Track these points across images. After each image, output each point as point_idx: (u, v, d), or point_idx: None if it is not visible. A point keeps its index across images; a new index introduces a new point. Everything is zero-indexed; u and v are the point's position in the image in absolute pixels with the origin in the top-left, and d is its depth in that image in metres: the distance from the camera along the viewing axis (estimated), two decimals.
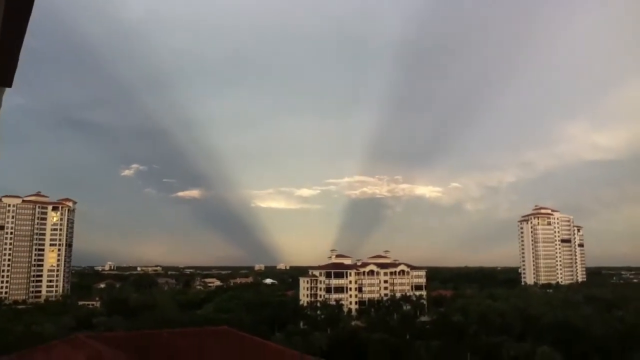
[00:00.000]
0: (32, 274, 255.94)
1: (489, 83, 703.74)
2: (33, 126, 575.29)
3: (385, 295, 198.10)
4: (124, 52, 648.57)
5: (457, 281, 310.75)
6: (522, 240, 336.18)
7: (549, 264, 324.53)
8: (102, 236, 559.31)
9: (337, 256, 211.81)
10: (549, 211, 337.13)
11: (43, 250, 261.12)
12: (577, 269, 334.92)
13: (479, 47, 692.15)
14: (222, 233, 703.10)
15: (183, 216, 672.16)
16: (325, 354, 78.71)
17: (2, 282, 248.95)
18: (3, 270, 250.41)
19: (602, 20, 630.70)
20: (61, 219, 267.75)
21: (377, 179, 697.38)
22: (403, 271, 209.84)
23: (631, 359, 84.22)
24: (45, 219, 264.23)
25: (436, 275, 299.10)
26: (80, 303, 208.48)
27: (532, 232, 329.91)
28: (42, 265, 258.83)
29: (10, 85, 5.81)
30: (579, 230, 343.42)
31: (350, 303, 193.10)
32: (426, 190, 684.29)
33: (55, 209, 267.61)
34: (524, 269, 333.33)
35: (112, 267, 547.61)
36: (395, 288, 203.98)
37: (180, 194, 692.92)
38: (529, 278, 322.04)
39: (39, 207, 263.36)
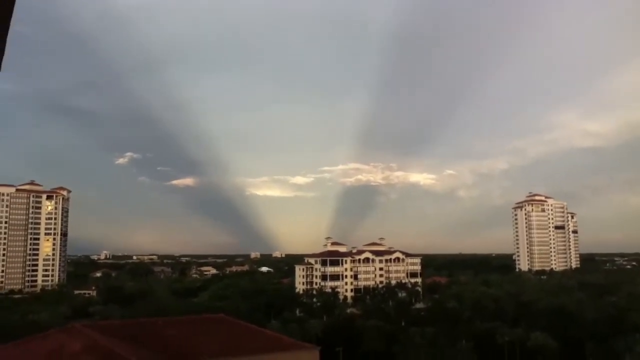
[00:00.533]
0: (28, 263, 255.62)
1: (479, 70, 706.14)
2: (23, 113, 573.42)
3: (381, 282, 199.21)
4: (114, 36, 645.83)
5: (452, 268, 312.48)
6: (516, 227, 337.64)
7: (543, 251, 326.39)
8: (97, 225, 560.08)
9: (333, 244, 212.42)
10: (543, 198, 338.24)
11: (38, 239, 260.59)
12: (570, 256, 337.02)
13: (470, 35, 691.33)
14: (217, 221, 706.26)
15: (178, 204, 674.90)
16: (321, 341, 79.10)
17: None
18: None
19: (593, 7, 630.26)
20: (56, 208, 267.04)
21: (371, 167, 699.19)
22: (398, 258, 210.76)
23: (624, 343, 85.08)
24: (39, 208, 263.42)
25: (431, 263, 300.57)
26: (76, 292, 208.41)
27: (526, 218, 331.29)
28: (37, 255, 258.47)
29: None
30: (572, 217, 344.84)
31: (346, 290, 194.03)
32: (420, 178, 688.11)
33: (49, 197, 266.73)
34: (518, 256, 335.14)
35: (108, 256, 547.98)
36: (390, 275, 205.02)
37: (175, 182, 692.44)
38: (523, 264, 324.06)
39: (33, 196, 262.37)
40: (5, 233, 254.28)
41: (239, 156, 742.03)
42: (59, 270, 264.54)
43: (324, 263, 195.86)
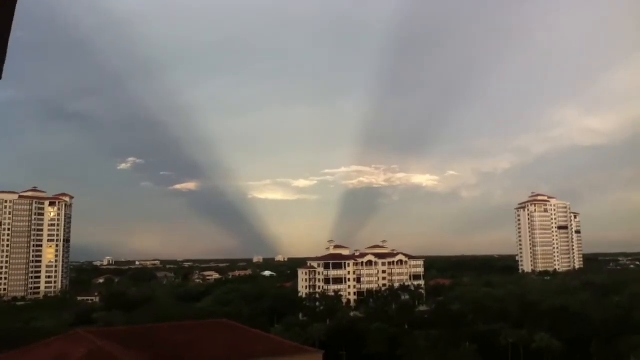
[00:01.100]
0: (31, 270, 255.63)
1: (480, 69, 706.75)
2: (25, 119, 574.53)
3: (384, 285, 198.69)
4: (114, 41, 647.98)
5: (455, 270, 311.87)
6: (519, 228, 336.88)
7: (546, 251, 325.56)
8: (100, 231, 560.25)
9: (335, 247, 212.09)
10: (546, 198, 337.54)
11: (41, 246, 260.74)
12: (574, 256, 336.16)
13: (471, 34, 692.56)
14: (220, 226, 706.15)
15: (181, 209, 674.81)
16: (325, 345, 78.97)
17: (1, 278, 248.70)
18: (1, 267, 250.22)
19: (594, 4, 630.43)
20: (58, 215, 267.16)
21: (373, 169, 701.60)
22: (401, 261, 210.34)
23: (629, 344, 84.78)
24: (42, 214, 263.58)
25: (434, 265, 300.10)
26: (80, 298, 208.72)
27: (529, 219, 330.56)
28: (40, 261, 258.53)
29: (0, 78, 5.76)
30: (575, 217, 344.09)
31: (349, 294, 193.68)
32: (423, 179, 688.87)
33: (52, 204, 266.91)
34: (521, 257, 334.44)
35: (111, 262, 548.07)
36: (393, 278, 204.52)
37: (178, 186, 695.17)
38: (526, 265, 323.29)
39: (35, 202, 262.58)
40: (8, 240, 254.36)
41: (241, 159, 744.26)
42: (62, 277, 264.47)
43: (326, 266, 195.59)
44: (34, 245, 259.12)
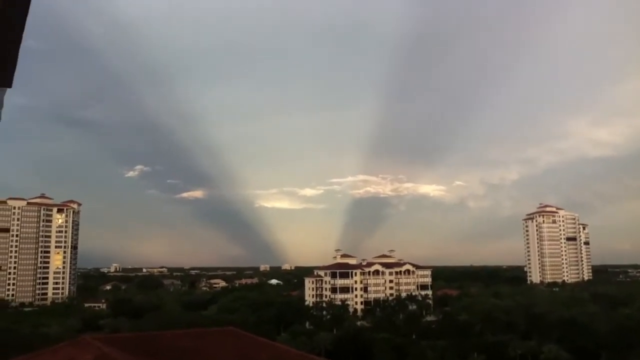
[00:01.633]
0: (38, 276, 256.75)
1: (489, 78, 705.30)
2: (34, 126, 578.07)
3: (391, 295, 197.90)
4: (122, 48, 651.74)
5: (463, 280, 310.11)
6: (528, 239, 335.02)
7: (555, 262, 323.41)
8: (107, 238, 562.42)
9: (342, 256, 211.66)
10: (554, 209, 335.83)
11: (49, 252, 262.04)
12: (583, 267, 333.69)
13: (479, 43, 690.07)
14: (226, 234, 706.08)
15: (187, 217, 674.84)
16: (331, 354, 78.74)
17: (9, 284, 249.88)
18: (9, 273, 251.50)
19: (603, 14, 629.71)
20: (66, 221, 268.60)
21: (380, 178, 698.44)
22: (408, 271, 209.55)
23: (639, 356, 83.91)
24: (50, 221, 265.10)
25: (441, 274, 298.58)
26: (86, 305, 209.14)
27: (537, 230, 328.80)
28: (48, 268, 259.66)
29: (10, 86, 5.82)
30: (584, 228, 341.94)
31: (356, 303, 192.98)
32: (430, 189, 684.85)
33: (60, 211, 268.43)
34: (529, 268, 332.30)
35: (118, 269, 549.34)
36: (400, 288, 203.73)
37: (185, 194, 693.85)
38: (534, 276, 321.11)
39: (44, 209, 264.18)
40: (16, 246, 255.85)
41: (247, 168, 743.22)
42: (69, 283, 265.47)
43: (333, 275, 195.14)
44: (41, 252, 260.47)
